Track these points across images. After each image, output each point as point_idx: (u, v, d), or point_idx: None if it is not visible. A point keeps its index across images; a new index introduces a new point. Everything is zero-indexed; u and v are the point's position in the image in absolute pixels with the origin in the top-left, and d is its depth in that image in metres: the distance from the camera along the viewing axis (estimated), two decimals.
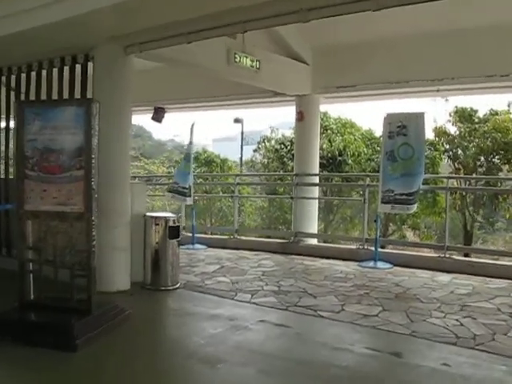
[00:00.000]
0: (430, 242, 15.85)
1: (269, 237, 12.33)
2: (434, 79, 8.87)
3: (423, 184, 8.66)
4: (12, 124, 7.77)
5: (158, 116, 11.70)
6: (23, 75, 7.89)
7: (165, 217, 7.06)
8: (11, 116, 8.02)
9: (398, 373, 4.34)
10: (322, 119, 14.70)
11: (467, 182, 15.56)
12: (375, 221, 9.01)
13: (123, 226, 6.90)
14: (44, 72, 7.56)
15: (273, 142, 19.38)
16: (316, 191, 11.22)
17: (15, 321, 5.04)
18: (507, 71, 8.25)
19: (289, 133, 18.43)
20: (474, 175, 15.62)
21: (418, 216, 15.97)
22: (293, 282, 7.33)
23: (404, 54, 8.94)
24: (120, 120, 6.93)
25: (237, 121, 26.88)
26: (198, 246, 10.42)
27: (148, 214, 7.20)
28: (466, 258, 9.49)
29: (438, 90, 9.47)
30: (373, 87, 9.61)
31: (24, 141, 5.10)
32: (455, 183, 13.92)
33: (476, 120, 15.91)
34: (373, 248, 8.83)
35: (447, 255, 8.47)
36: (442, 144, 16.23)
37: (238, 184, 12.23)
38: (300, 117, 10.51)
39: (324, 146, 16.32)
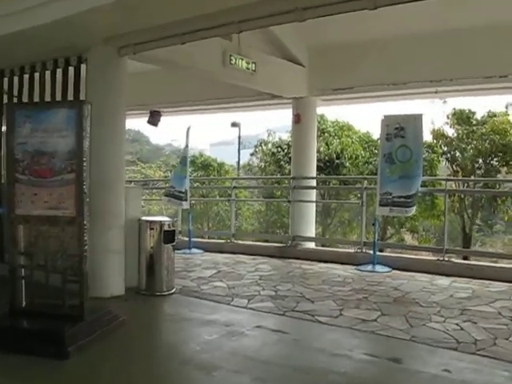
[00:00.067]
0: (428, 245, 15.78)
1: (266, 241, 12.27)
2: (432, 80, 8.81)
3: (421, 186, 8.58)
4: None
5: (153, 119, 11.63)
6: (16, 78, 7.80)
7: (160, 221, 6.96)
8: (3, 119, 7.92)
9: (398, 379, 4.25)
10: (319, 122, 14.65)
11: (465, 185, 15.47)
12: (373, 224, 8.94)
13: (117, 228, 6.80)
14: (37, 75, 7.46)
15: (270, 146, 19.33)
16: (313, 194, 11.14)
17: (6, 328, 4.92)
18: (505, 72, 8.21)
19: (286, 136, 18.38)
20: (472, 177, 15.57)
21: (417, 219, 15.90)
22: (290, 287, 7.23)
23: (401, 56, 8.89)
24: (114, 122, 6.85)
25: (234, 125, 26.87)
26: (194, 250, 10.34)
27: (143, 218, 7.10)
28: (466, 261, 9.41)
29: (436, 92, 9.41)
30: (370, 89, 9.55)
31: (14, 144, 5.00)
32: (453, 185, 13.84)
33: (474, 122, 15.87)
34: (371, 251, 8.75)
35: (446, 258, 8.37)
36: (440, 146, 16.18)
37: (235, 188, 12.15)
38: (297, 119, 10.45)
39: (321, 148, 16.24)
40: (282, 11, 5.42)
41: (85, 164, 4.87)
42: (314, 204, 11.18)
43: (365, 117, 18.04)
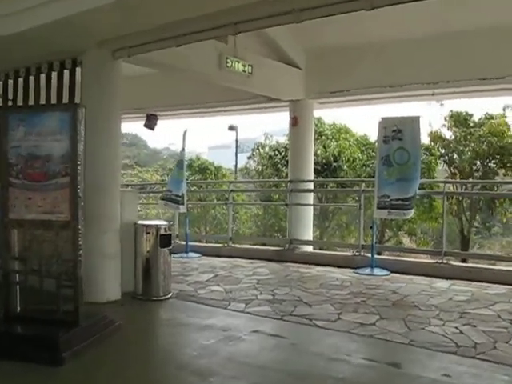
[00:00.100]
0: (427, 248, 15.80)
1: (264, 244, 12.21)
2: (429, 82, 8.78)
3: (419, 189, 8.54)
4: None
5: (150, 123, 11.57)
6: (10, 81, 7.75)
7: (156, 225, 6.90)
8: None
9: None
10: (316, 125, 14.63)
11: (463, 187, 15.47)
12: (371, 227, 8.90)
13: (113, 232, 6.74)
14: (32, 78, 7.40)
15: (267, 149, 19.32)
16: (311, 198, 11.10)
17: (0, 334, 4.86)
18: (503, 74, 8.18)
19: (283, 139, 18.36)
20: (470, 180, 15.56)
21: (415, 221, 15.87)
22: (288, 291, 7.17)
23: (398, 58, 8.86)
24: (109, 126, 6.80)
25: (231, 128, 26.84)
26: (191, 254, 10.28)
27: (139, 222, 7.04)
28: (464, 264, 9.38)
29: (433, 94, 9.37)
30: (367, 91, 9.52)
31: (8, 147, 4.95)
32: (451, 188, 13.82)
33: (471, 124, 15.88)
34: (369, 254, 8.70)
35: (445, 261, 8.33)
36: (438, 149, 16.17)
37: (232, 191, 12.10)
38: (294, 122, 10.41)
39: (318, 151, 16.24)
40: (279, 12, 5.37)
41: (79, 168, 4.82)
42: (312, 207, 11.14)
43: (362, 119, 18.04)
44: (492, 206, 15.78)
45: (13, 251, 5.05)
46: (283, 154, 17.54)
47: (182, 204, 10.39)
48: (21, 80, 7.59)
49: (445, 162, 16.29)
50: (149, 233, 6.80)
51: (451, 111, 15.90)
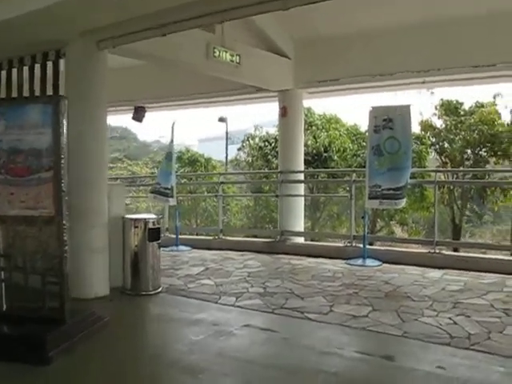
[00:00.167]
0: (418, 238, 15.78)
1: (255, 236, 12.12)
2: (419, 71, 8.68)
3: (411, 178, 8.47)
4: None
5: (138, 115, 11.46)
6: None
7: (144, 218, 6.79)
8: None
9: (391, 378, 4.12)
10: (306, 115, 14.55)
11: (455, 176, 15.45)
12: (363, 217, 8.83)
13: (100, 226, 6.62)
14: (14, 71, 7.24)
15: (257, 140, 19.20)
16: (302, 188, 11.00)
17: None
18: (493, 61, 8.09)
19: (273, 130, 18.25)
20: (461, 168, 15.54)
21: (406, 211, 15.86)
22: (279, 283, 7.09)
23: (387, 47, 8.76)
24: (95, 118, 6.63)
25: (221, 120, 26.69)
26: (182, 247, 10.18)
27: (127, 216, 6.93)
28: (456, 253, 9.32)
29: (423, 82, 9.28)
30: (356, 80, 9.41)
31: None
32: (443, 177, 13.76)
33: (462, 113, 15.86)
34: (361, 245, 8.63)
35: (437, 250, 8.28)
36: (429, 138, 16.13)
37: (222, 183, 12.01)
38: (283, 112, 10.30)
39: (309, 142, 16.14)
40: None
41: (63, 161, 4.69)
42: (303, 198, 11.05)
43: (352, 109, 17.94)
44: (483, 194, 15.78)
45: None
46: (273, 144, 17.43)
47: (172, 197, 10.29)
48: (3, 73, 7.42)
49: (436, 150, 16.26)
50: (137, 227, 6.69)
51: (442, 100, 15.87)
